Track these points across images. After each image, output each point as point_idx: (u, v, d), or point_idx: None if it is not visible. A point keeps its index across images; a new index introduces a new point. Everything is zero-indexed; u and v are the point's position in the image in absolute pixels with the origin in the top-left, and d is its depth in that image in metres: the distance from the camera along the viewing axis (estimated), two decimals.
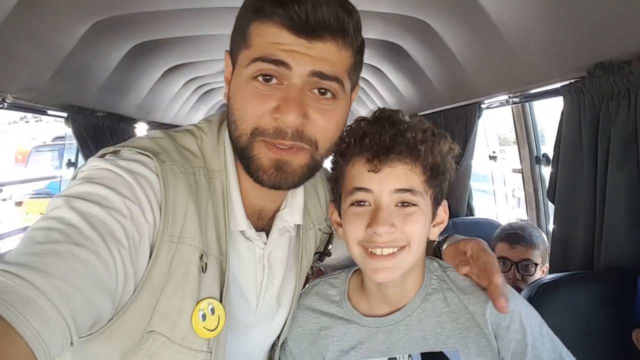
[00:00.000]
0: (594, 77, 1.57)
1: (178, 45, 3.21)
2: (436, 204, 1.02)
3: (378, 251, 0.96)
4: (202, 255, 0.86)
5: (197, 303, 0.85)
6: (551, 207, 2.37)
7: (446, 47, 2.45)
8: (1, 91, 2.13)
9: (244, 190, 0.96)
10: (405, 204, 0.96)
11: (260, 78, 0.83)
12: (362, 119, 1.01)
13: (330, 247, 1.19)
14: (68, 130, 3.02)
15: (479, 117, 2.80)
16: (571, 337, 1.04)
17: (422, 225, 0.97)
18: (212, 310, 0.86)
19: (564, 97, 1.78)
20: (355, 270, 1.15)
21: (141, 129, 4.27)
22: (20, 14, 1.77)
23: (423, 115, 3.95)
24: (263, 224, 1.01)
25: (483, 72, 2.42)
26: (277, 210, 1.03)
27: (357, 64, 0.91)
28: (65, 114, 2.92)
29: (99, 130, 3.27)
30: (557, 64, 1.82)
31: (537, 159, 2.42)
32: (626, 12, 1.33)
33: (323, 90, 0.86)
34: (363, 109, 5.86)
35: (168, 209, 0.82)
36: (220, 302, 0.88)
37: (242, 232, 0.96)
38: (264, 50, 0.82)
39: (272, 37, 0.81)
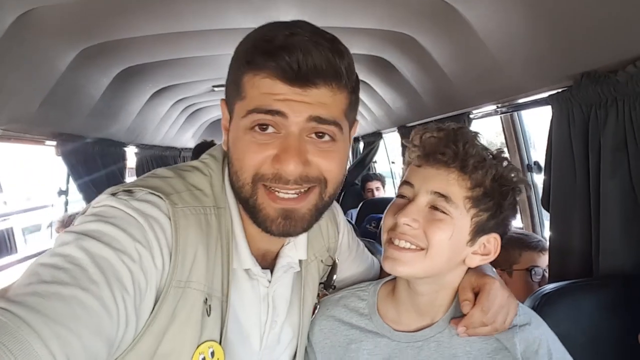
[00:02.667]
0: (580, 86, 1.59)
1: (165, 67, 3.22)
2: (480, 230, 0.99)
3: (396, 241, 0.98)
4: (206, 298, 0.85)
5: (198, 347, 0.84)
6: (545, 213, 2.39)
7: (432, 60, 2.48)
8: None
9: (248, 233, 0.95)
10: (438, 209, 0.97)
11: (257, 128, 0.83)
12: (439, 125, 1.04)
13: (334, 278, 1.18)
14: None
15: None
16: (576, 346, 1.05)
17: (447, 235, 0.96)
18: (212, 354, 0.86)
19: (552, 107, 1.80)
20: (385, 282, 1.16)
21: (131, 152, 4.25)
22: (7, 45, 1.76)
23: (411, 126, 4.00)
24: (267, 263, 1.00)
25: (470, 84, 2.45)
26: (280, 248, 1.03)
27: (353, 103, 0.91)
28: (54, 143, 2.89)
29: (88, 157, 3.25)
30: (544, 74, 1.84)
31: (528, 167, 2.45)
32: (610, 23, 1.36)
33: (321, 134, 0.85)
34: None
35: (178, 254, 0.81)
36: (220, 343, 0.87)
37: (246, 270, 0.95)
38: (259, 102, 0.81)
39: (265, 88, 0.81)
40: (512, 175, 0.98)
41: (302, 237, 1.05)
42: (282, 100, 0.80)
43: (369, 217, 3.86)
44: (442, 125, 1.03)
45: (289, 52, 0.78)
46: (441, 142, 0.98)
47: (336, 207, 1.24)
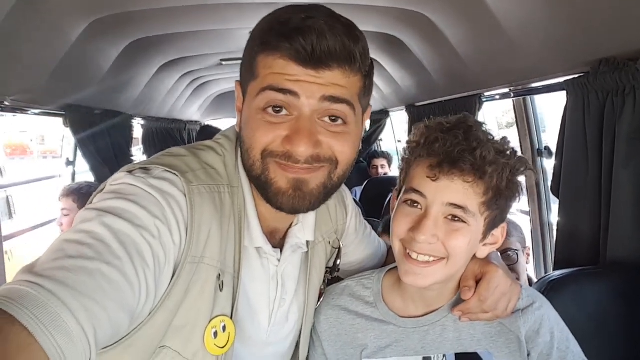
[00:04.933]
0: (598, 72, 1.57)
1: (174, 40, 3.19)
2: (492, 226, 1.00)
3: (414, 255, 0.97)
4: (219, 274, 0.87)
5: (210, 321, 0.87)
6: (552, 199, 2.40)
7: (446, 39, 2.44)
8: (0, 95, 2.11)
9: (259, 212, 0.96)
10: (455, 219, 0.95)
11: (270, 109, 0.84)
12: (442, 121, 0.99)
13: (338, 262, 1.19)
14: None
15: (479, 110, 2.80)
16: (582, 333, 1.07)
17: (466, 243, 0.96)
18: (224, 328, 0.88)
19: (567, 92, 1.79)
20: (389, 270, 1.16)
21: (137, 124, 4.25)
22: (17, 16, 1.74)
23: (420, 106, 3.97)
24: (275, 242, 1.01)
25: (483, 65, 2.42)
26: (289, 228, 1.04)
27: (367, 88, 0.91)
28: (63, 113, 2.89)
29: (96, 128, 3.25)
30: (560, 59, 1.82)
31: (538, 152, 2.43)
32: (631, 10, 1.33)
33: (334, 118, 0.85)
34: None
35: (193, 230, 0.83)
36: (231, 318, 0.90)
37: (257, 248, 0.97)
38: (271, 80, 0.82)
39: (278, 68, 0.82)
40: (522, 169, 0.98)
41: (310, 219, 1.06)
42: (295, 81, 0.81)
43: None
44: (447, 121, 0.99)
45: (303, 35, 0.78)
46: (454, 148, 0.93)
47: (345, 190, 1.25)
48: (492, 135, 0.98)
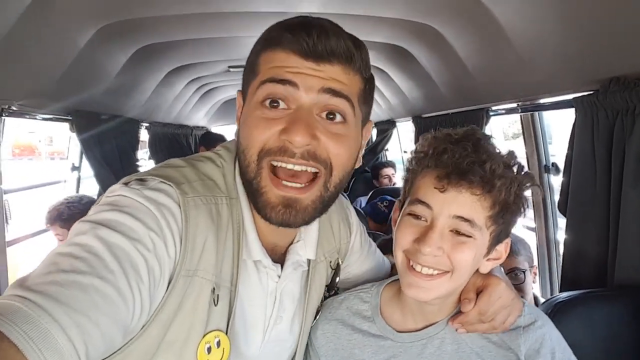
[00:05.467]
0: (608, 91, 1.56)
1: (182, 47, 3.21)
2: (496, 241, 0.99)
3: (418, 267, 0.95)
4: (214, 288, 0.85)
5: (204, 336, 0.85)
6: (559, 214, 2.37)
7: (454, 53, 2.44)
8: (7, 99, 2.11)
9: (257, 226, 0.95)
10: (461, 233, 0.93)
11: (267, 103, 0.83)
12: (450, 132, 0.98)
13: (337, 280, 1.17)
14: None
15: (486, 124, 2.79)
16: (589, 357, 1.05)
17: (471, 257, 0.95)
18: (218, 343, 0.87)
19: (576, 110, 1.77)
20: (388, 283, 1.14)
21: (144, 130, 4.26)
22: (27, 22, 1.75)
23: (427, 117, 3.96)
24: (275, 258, 1.00)
25: (491, 79, 2.41)
26: (291, 244, 1.02)
27: (367, 94, 0.90)
28: (69, 119, 2.90)
29: (102, 133, 3.25)
30: (569, 76, 1.80)
31: (545, 168, 2.41)
32: None
33: (332, 116, 0.84)
34: None
35: (187, 243, 0.82)
36: (226, 333, 0.88)
37: (256, 262, 0.95)
38: (272, 73, 0.82)
39: (279, 61, 0.82)
40: (529, 184, 0.96)
41: (312, 236, 1.04)
42: (294, 73, 0.81)
43: (382, 197, 3.86)
44: (455, 132, 0.97)
45: (306, 29, 0.80)
46: (463, 160, 0.91)
47: (349, 207, 1.24)
48: (499, 149, 0.97)
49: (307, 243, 1.03)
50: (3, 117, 2.18)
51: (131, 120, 3.83)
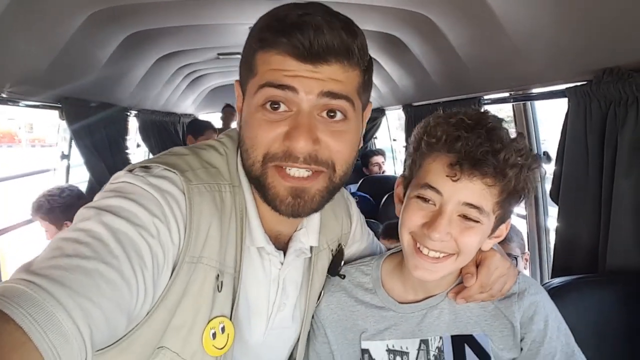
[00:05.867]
0: (601, 82, 1.58)
1: (172, 34, 3.18)
2: (500, 222, 1.01)
3: (425, 250, 0.97)
4: (218, 274, 0.86)
5: (209, 322, 0.86)
6: (548, 202, 2.41)
7: (447, 42, 2.45)
8: None
9: (261, 213, 0.95)
10: (469, 218, 0.95)
11: (268, 106, 0.83)
12: (462, 116, 0.96)
13: (342, 265, 1.18)
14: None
15: None
16: (580, 341, 1.07)
17: (477, 240, 0.97)
18: (223, 329, 0.88)
19: (569, 100, 1.80)
20: (388, 256, 1.17)
21: (132, 117, 4.22)
22: (17, 8, 1.72)
23: (418, 106, 3.98)
24: (279, 246, 1.01)
25: (484, 68, 2.42)
26: (294, 232, 1.03)
27: (366, 83, 0.90)
28: (59, 106, 2.86)
29: (92, 121, 3.21)
30: (563, 66, 1.83)
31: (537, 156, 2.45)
32: (637, 21, 1.34)
33: (332, 114, 0.84)
34: None
35: (192, 229, 0.82)
36: (230, 319, 0.89)
37: (259, 249, 0.96)
38: (270, 77, 0.82)
39: (276, 64, 0.81)
40: (535, 167, 0.96)
41: (315, 224, 1.05)
42: (293, 77, 0.80)
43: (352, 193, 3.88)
44: (468, 117, 0.95)
45: (301, 30, 0.78)
46: (477, 148, 0.90)
47: (349, 198, 1.26)
48: (511, 135, 0.96)
49: (309, 231, 1.04)
50: None
51: (120, 107, 3.79)
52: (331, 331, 1.14)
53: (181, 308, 0.82)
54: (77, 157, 3.28)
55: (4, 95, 2.16)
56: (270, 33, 0.81)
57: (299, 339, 1.11)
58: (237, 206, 0.92)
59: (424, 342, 1.06)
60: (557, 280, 1.44)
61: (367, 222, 1.34)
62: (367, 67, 0.88)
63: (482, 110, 0.96)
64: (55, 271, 0.62)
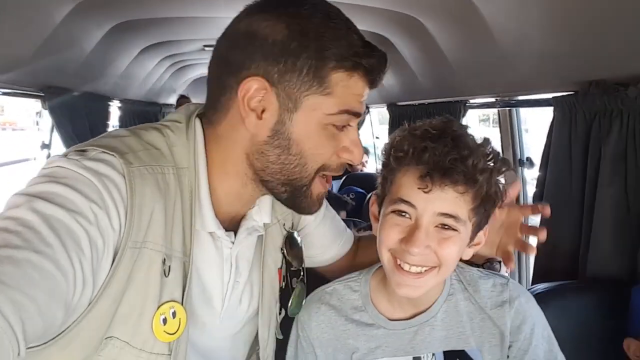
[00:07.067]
0: (587, 93, 1.62)
1: (158, 24, 3.14)
2: (477, 229, 1.01)
3: (406, 266, 0.96)
4: (164, 259, 0.83)
5: (158, 307, 0.83)
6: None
7: (436, 45, 2.47)
8: None
9: (216, 196, 0.93)
10: (446, 227, 0.94)
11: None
12: (427, 127, 0.96)
13: (302, 249, 1.17)
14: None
15: (463, 115, 2.85)
16: (563, 347, 1.10)
17: (457, 249, 0.97)
18: (174, 314, 0.85)
19: (554, 109, 1.84)
20: (375, 271, 1.15)
21: (114, 107, 4.16)
22: None
23: (402, 105, 4.01)
24: (233, 226, 0.99)
25: (471, 73, 2.46)
26: (248, 210, 1.02)
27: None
28: (42, 94, 2.80)
29: (74, 110, 3.15)
30: (550, 76, 1.87)
31: (520, 162, 2.51)
32: (625, 35, 1.38)
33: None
34: None
35: (134, 214, 0.78)
36: (182, 304, 0.87)
37: (210, 233, 0.94)
38: (356, 106, 0.86)
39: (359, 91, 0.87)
40: (505, 169, 0.98)
41: (267, 201, 1.04)
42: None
43: (347, 188, 3.91)
44: (432, 127, 0.96)
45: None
46: (444, 157, 0.90)
47: None
48: (476, 139, 0.97)
49: (262, 208, 1.03)
50: None
51: (102, 97, 3.74)
52: (322, 351, 1.12)
53: (127, 295, 0.79)
54: (58, 147, 3.22)
55: None
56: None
57: (259, 319, 1.09)
58: (185, 188, 0.89)
59: (417, 359, 1.06)
60: (541, 286, 1.48)
61: (352, 221, 1.34)
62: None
63: (447, 118, 0.96)
64: None
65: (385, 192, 1.02)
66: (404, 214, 0.95)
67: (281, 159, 0.88)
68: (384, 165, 1.02)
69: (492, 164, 0.94)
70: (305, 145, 0.87)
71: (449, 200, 0.92)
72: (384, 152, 1.03)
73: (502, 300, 1.06)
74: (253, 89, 0.83)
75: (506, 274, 1.92)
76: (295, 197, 0.91)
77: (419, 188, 0.92)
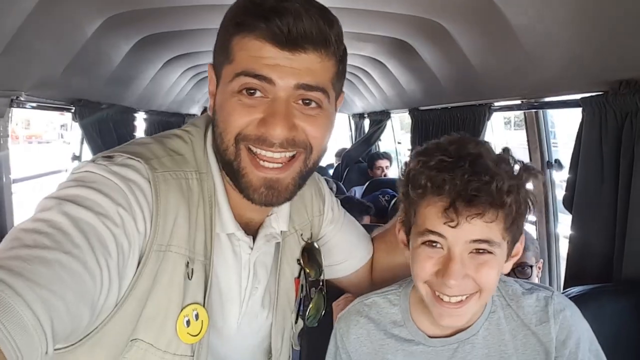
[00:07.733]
0: (617, 93, 1.60)
1: (182, 37, 3.22)
2: (513, 244, 0.98)
3: (446, 298, 0.93)
4: (188, 262, 0.86)
5: (182, 309, 0.85)
6: (560, 208, 2.44)
7: (459, 49, 2.46)
8: (16, 89, 2.10)
9: (232, 201, 0.95)
10: (481, 251, 0.91)
11: (244, 92, 0.83)
12: (440, 155, 0.90)
13: (322, 259, 1.16)
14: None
15: (488, 119, 2.83)
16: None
17: (496, 272, 0.94)
18: (196, 316, 0.87)
19: (583, 110, 1.82)
20: (414, 285, 1.10)
21: (140, 118, 4.24)
22: (40, 13, 1.74)
23: (425, 110, 3.99)
24: (250, 232, 1.00)
25: (496, 76, 2.44)
26: (266, 217, 1.03)
27: (340, 73, 0.91)
28: (72, 108, 2.88)
29: (102, 122, 3.24)
30: (578, 77, 1.85)
31: (548, 164, 2.47)
32: None
33: (307, 101, 0.86)
34: (359, 100, 5.86)
35: (159, 218, 0.81)
36: (204, 306, 0.88)
37: (229, 235, 0.96)
38: (247, 65, 0.82)
39: (254, 50, 0.81)
40: (530, 175, 0.94)
41: (285, 209, 1.05)
42: (271, 66, 0.81)
43: (383, 190, 3.88)
44: (446, 154, 0.90)
45: (280, 15, 0.78)
46: (466, 186, 0.85)
47: (320, 180, 1.23)
48: (494, 152, 0.92)
49: (280, 216, 1.04)
50: (12, 108, 2.15)
51: (129, 108, 3.82)
52: None
53: (152, 297, 0.81)
54: (88, 158, 3.29)
55: (22, 99, 2.18)
56: (248, 17, 0.80)
57: (272, 327, 1.09)
58: (206, 193, 0.91)
59: None
60: (575, 290, 1.46)
61: (375, 226, 1.33)
62: (342, 56, 0.90)
63: (460, 137, 0.89)
64: (13, 262, 0.60)
65: (411, 222, 0.99)
66: (435, 244, 0.92)
67: (215, 134, 0.91)
68: (405, 195, 0.98)
69: (517, 181, 0.90)
70: (221, 114, 0.87)
71: (481, 227, 0.88)
72: (401, 184, 0.99)
73: (547, 315, 1.02)
74: (210, 75, 0.92)
75: (537, 278, 1.90)
76: (235, 177, 0.89)
77: (444, 223, 0.89)
